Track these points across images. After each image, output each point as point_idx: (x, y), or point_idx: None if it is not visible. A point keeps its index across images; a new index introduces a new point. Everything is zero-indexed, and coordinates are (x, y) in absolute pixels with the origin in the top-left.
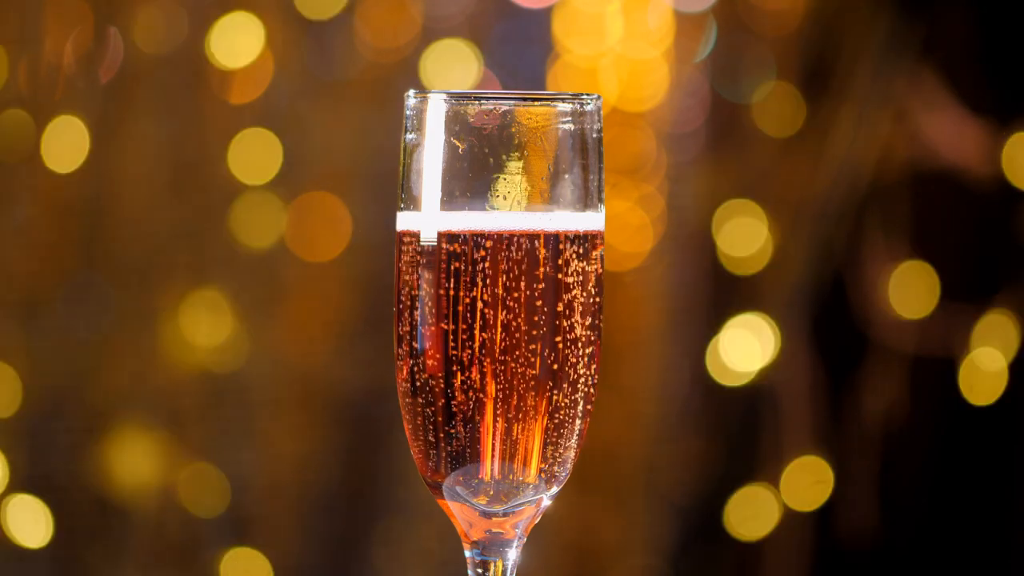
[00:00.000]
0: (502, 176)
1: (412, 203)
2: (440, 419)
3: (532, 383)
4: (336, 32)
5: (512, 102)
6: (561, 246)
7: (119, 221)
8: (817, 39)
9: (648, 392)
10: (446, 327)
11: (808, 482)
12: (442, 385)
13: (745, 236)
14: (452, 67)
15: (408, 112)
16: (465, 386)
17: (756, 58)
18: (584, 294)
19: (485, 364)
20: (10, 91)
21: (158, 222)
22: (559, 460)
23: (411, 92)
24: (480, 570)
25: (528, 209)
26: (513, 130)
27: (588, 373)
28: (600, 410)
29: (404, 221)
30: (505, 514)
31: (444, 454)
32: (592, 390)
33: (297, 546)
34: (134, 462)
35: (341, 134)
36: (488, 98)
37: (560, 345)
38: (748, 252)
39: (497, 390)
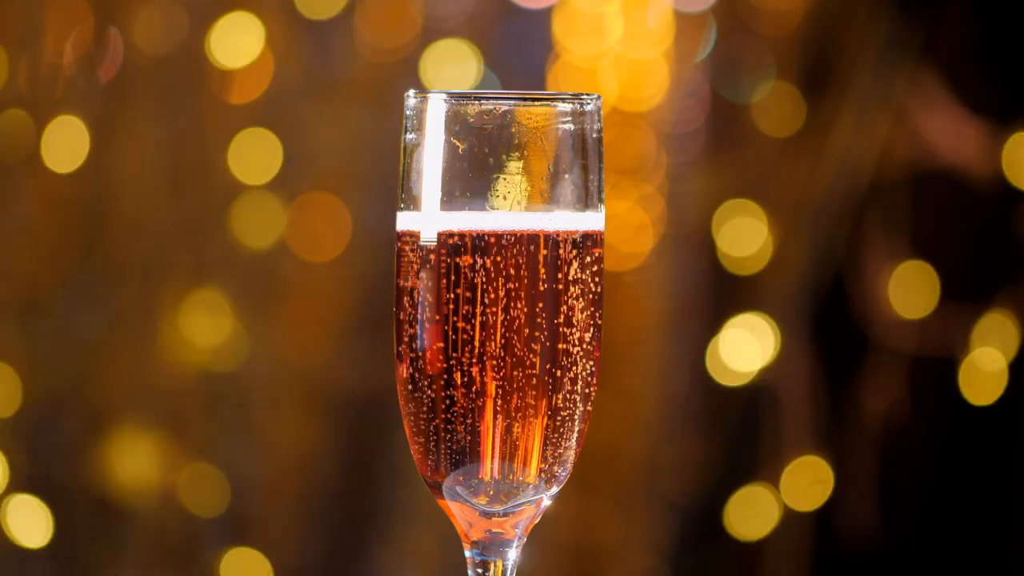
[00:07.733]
0: (502, 176)
1: (412, 203)
2: (440, 419)
3: (532, 383)
4: (336, 32)
5: (512, 102)
6: (561, 246)
7: (119, 221)
8: (817, 39)
9: (648, 392)
10: (446, 327)
11: (808, 482)
12: (442, 385)
13: (745, 236)
14: (452, 67)
15: (408, 112)
16: (465, 386)
17: (756, 58)
18: (584, 294)
19: (485, 364)
20: (10, 91)
21: (158, 222)
22: (559, 460)
23: (411, 92)
24: (480, 570)
25: (528, 209)
26: (513, 130)
27: (588, 373)
28: (600, 410)
29: (404, 221)
30: (505, 514)
31: (444, 454)
32: (592, 390)
33: (297, 546)
34: (134, 462)
35: (341, 134)
36: (488, 98)
37: (560, 345)
38: (748, 252)
39: (497, 390)
